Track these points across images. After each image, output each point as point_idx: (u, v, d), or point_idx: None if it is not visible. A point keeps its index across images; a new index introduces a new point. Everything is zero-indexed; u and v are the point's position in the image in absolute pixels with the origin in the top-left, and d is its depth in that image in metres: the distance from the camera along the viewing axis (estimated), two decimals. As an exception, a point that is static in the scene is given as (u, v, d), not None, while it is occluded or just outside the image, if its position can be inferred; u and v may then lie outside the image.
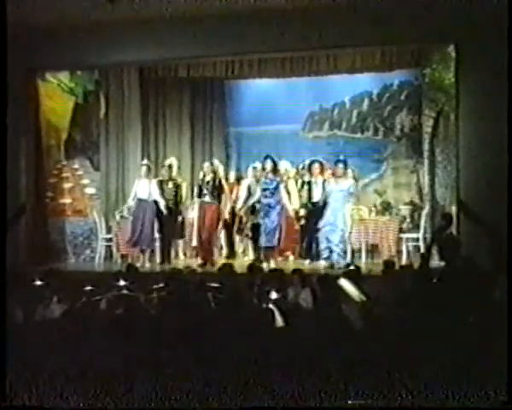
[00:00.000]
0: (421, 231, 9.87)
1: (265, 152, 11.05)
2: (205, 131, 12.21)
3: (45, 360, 3.85)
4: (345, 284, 5.44)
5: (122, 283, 5.99)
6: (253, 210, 9.71)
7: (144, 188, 9.71)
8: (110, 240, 10.53)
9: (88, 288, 5.93)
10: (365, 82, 11.66)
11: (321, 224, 9.03)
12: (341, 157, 9.65)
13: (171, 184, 9.89)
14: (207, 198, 9.43)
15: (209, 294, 5.39)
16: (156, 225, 9.78)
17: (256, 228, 9.51)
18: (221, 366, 3.66)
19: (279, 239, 9.11)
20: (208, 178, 9.51)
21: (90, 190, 11.15)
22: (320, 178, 9.64)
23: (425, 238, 9.68)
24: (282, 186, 9.24)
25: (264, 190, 9.16)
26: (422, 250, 9.25)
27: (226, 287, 5.80)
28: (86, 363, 3.79)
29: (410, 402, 3.39)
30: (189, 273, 6.90)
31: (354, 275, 6.29)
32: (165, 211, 9.65)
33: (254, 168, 10.14)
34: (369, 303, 5.00)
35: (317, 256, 9.34)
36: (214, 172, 9.61)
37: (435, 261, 7.96)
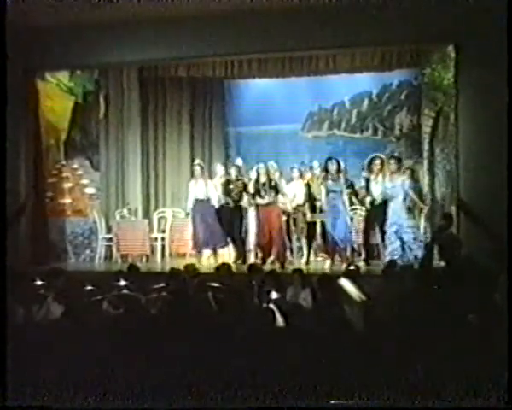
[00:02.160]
0: (422, 230, 9.86)
1: (265, 152, 11.08)
2: (204, 131, 12.20)
3: (45, 360, 3.85)
4: (345, 283, 5.44)
5: (123, 282, 6.00)
6: (312, 209, 9.59)
7: (201, 188, 9.73)
8: (110, 240, 10.53)
9: (88, 288, 5.93)
10: (365, 82, 11.66)
11: (387, 224, 8.85)
12: (395, 154, 9.45)
13: (238, 183, 9.71)
14: (265, 200, 9.32)
15: (210, 294, 5.39)
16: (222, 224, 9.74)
17: (315, 229, 9.48)
18: (221, 365, 3.66)
19: (350, 240, 9.14)
20: (263, 179, 9.37)
21: (90, 190, 11.16)
22: (380, 175, 9.25)
23: (425, 238, 9.67)
24: (345, 187, 9.20)
25: (330, 192, 9.08)
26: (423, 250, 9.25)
27: (227, 287, 5.80)
28: (86, 363, 3.79)
29: (410, 402, 3.39)
30: (189, 273, 6.88)
31: (354, 275, 6.30)
32: (216, 206, 9.68)
33: (311, 168, 10.08)
34: (369, 303, 5.00)
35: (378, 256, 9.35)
36: (268, 174, 9.49)
37: (435, 261, 7.97)
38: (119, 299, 5.44)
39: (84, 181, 11.14)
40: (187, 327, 4.16)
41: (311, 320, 4.73)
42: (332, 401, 3.43)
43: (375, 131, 11.81)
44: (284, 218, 9.66)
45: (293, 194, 9.93)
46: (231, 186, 9.69)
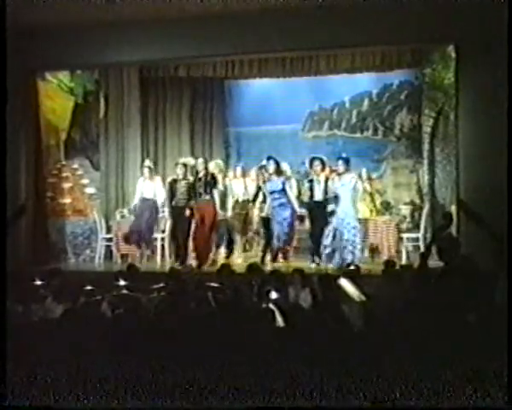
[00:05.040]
0: (422, 230, 9.87)
1: (265, 152, 11.07)
2: (204, 131, 12.22)
3: (45, 359, 3.85)
4: (345, 283, 5.44)
5: (122, 282, 6.00)
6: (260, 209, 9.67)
7: (149, 187, 9.76)
8: (110, 240, 10.53)
9: (88, 288, 5.93)
10: (365, 82, 11.67)
11: (333, 223, 8.94)
12: (343, 155, 9.46)
13: (183, 183, 9.69)
14: (202, 196, 9.33)
15: (209, 294, 5.39)
16: (158, 224, 9.78)
17: (265, 226, 9.50)
18: (221, 365, 3.66)
19: (292, 238, 9.20)
20: (201, 174, 9.39)
21: (90, 190, 11.18)
22: (322, 175, 9.45)
23: (425, 238, 9.68)
24: (287, 186, 9.25)
25: (272, 192, 9.17)
26: (422, 250, 9.24)
27: (227, 287, 5.80)
28: (86, 363, 3.79)
29: (410, 402, 3.39)
30: (189, 273, 6.89)
31: (354, 275, 6.30)
32: (163, 209, 9.69)
33: (261, 168, 9.97)
34: (368, 303, 5.00)
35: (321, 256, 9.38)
36: (206, 169, 9.47)
37: (435, 261, 7.95)
38: (119, 299, 5.44)
39: (84, 181, 11.15)
40: (186, 327, 4.16)
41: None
42: (331, 402, 3.43)
43: (376, 131, 11.82)
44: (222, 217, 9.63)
45: (235, 192, 10.01)
46: (178, 185, 9.61)
